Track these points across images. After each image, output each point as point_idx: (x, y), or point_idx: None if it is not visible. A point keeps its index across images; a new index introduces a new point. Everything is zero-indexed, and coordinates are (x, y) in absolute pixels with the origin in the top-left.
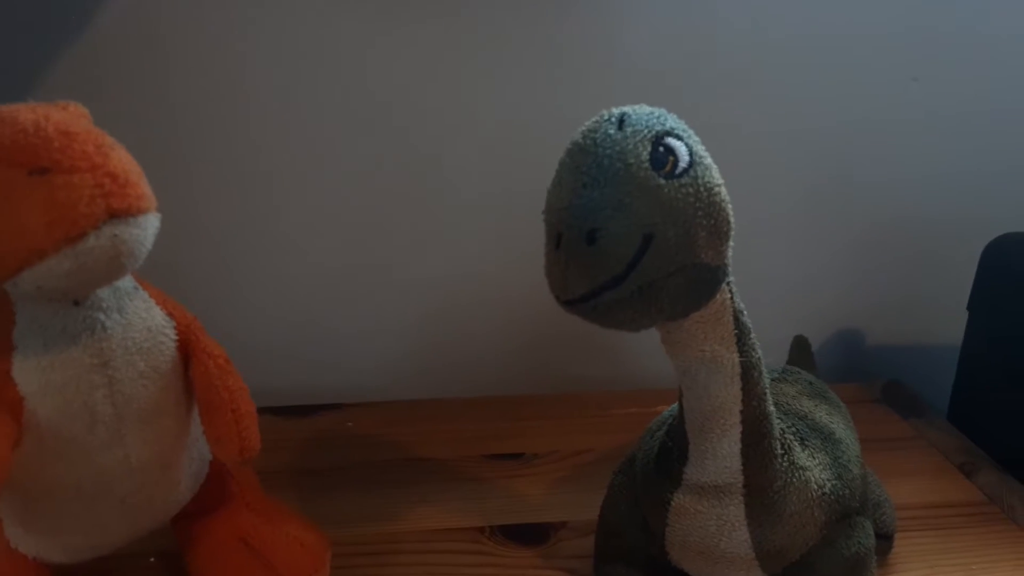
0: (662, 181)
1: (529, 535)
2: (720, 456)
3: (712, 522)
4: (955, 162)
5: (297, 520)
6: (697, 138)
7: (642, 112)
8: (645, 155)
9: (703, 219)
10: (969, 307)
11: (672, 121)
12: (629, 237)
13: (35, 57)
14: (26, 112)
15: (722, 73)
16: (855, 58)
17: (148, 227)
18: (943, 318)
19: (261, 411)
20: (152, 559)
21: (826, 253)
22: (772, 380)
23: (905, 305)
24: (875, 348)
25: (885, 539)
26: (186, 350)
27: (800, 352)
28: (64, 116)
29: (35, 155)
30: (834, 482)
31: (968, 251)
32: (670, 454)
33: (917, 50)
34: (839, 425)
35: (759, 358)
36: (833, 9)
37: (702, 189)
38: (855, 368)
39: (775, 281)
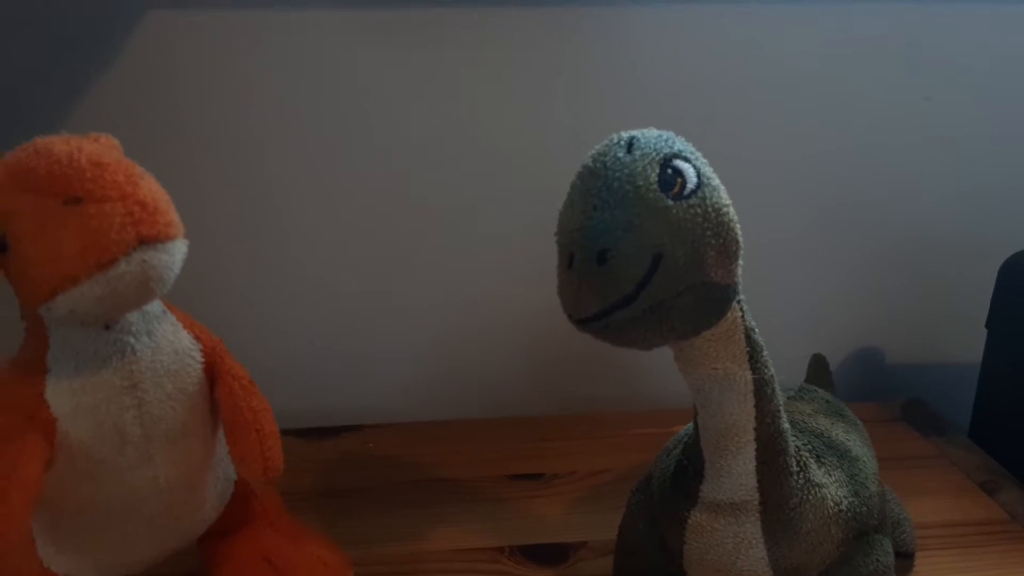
0: (671, 202)
1: (549, 555)
2: (735, 473)
3: (729, 540)
4: (971, 180)
5: (320, 540)
6: (705, 160)
7: (650, 135)
8: (654, 177)
9: (712, 239)
10: (988, 325)
11: (680, 144)
12: (639, 257)
13: (62, 92)
14: (60, 144)
15: (733, 95)
16: (868, 79)
17: (176, 253)
18: (962, 336)
19: (283, 433)
20: None
21: (844, 272)
22: (788, 398)
23: (924, 324)
24: (894, 367)
25: (905, 557)
26: (212, 372)
27: (818, 371)
28: (96, 148)
29: (69, 185)
30: (851, 499)
31: (986, 269)
32: (686, 472)
33: (930, 69)
34: (856, 443)
35: (772, 375)
36: (845, 31)
37: (710, 210)
38: (874, 387)
39: (793, 300)
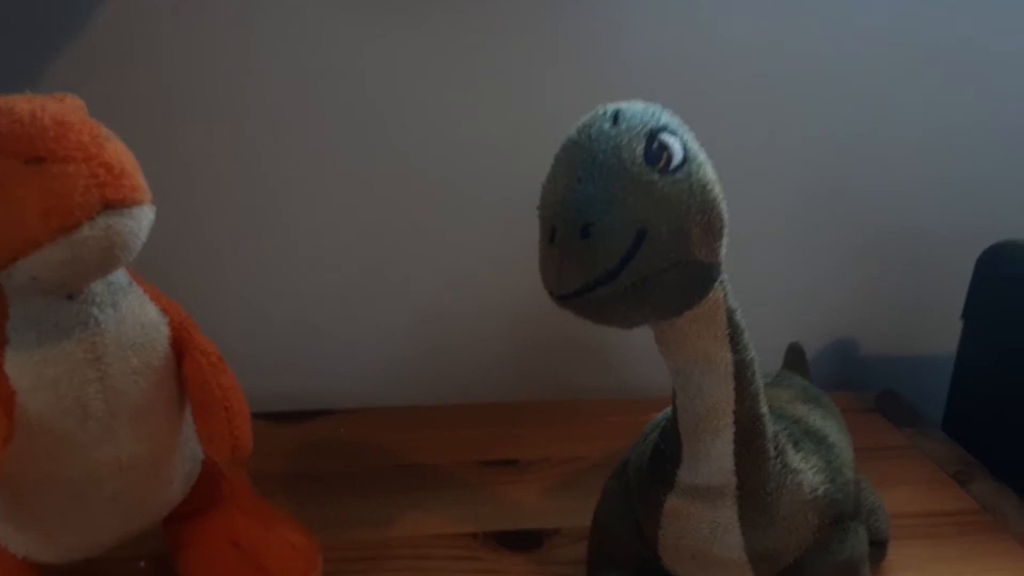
0: (656, 177)
1: (522, 541)
2: (713, 458)
3: (705, 525)
4: (950, 171)
5: (289, 523)
6: (692, 134)
7: (637, 108)
8: (639, 151)
9: (697, 215)
10: (963, 316)
11: (667, 117)
12: (623, 232)
13: (36, 54)
14: (23, 103)
15: (721, 80)
16: (853, 68)
17: (143, 219)
18: (938, 327)
19: (254, 417)
20: (142, 563)
21: (821, 262)
22: (766, 384)
23: (900, 314)
24: (869, 357)
25: (879, 546)
26: (179, 347)
27: (795, 359)
28: (60, 107)
29: (31, 145)
30: (827, 485)
31: (963, 260)
32: (663, 456)
33: (914, 61)
34: (833, 430)
35: (753, 358)
36: (832, 20)
37: (696, 186)
38: (850, 377)
39: (771, 288)
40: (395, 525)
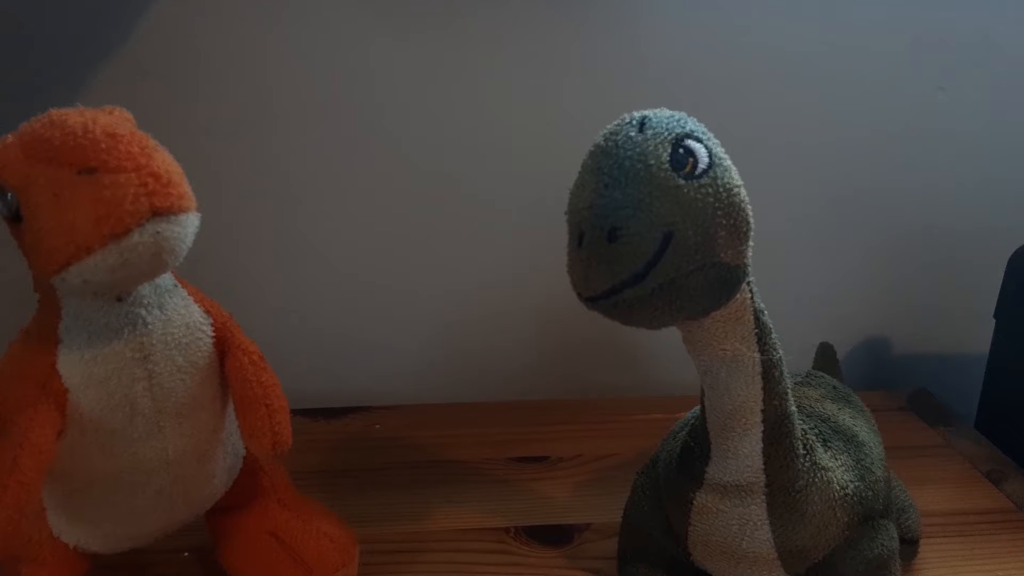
0: (682, 182)
1: (553, 536)
2: (742, 455)
3: (734, 521)
4: (981, 170)
5: (326, 516)
6: (716, 140)
7: (662, 115)
8: (665, 156)
9: (722, 219)
10: (996, 315)
11: (692, 124)
12: (649, 235)
13: (78, 67)
14: (75, 116)
15: (746, 82)
16: (881, 68)
17: (189, 225)
18: (970, 326)
19: (292, 413)
20: (186, 554)
21: (852, 261)
22: (796, 383)
23: (932, 313)
24: (902, 356)
25: (910, 544)
26: (222, 346)
27: (825, 359)
28: (110, 119)
29: (83, 156)
30: (857, 483)
31: (995, 259)
32: (692, 454)
33: (943, 60)
34: (862, 428)
35: (780, 357)
36: (858, 20)
37: (721, 190)
38: (882, 376)
39: (801, 289)
40: (429, 519)
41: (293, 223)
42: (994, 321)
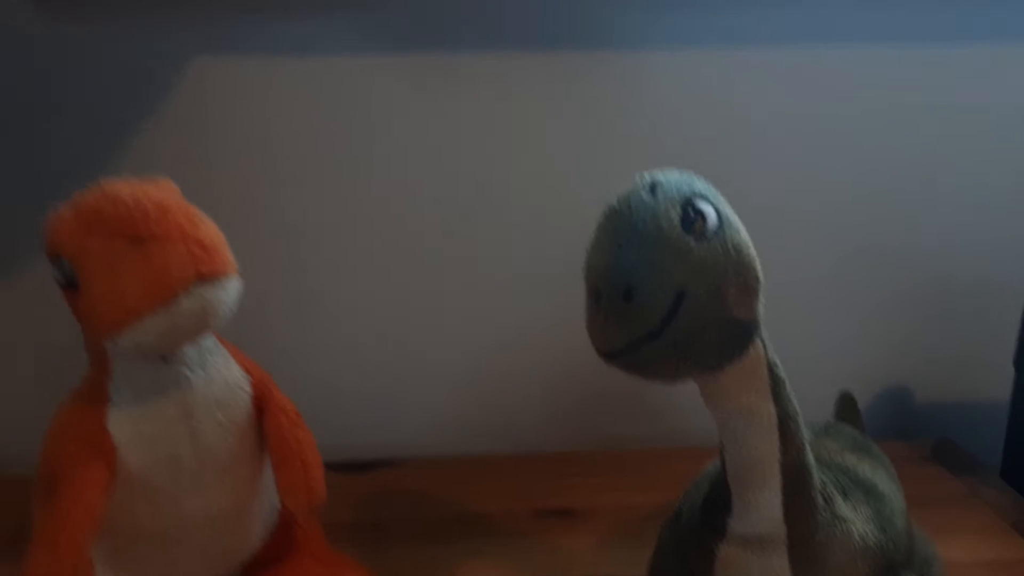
0: (692, 242)
1: None
2: (762, 507)
3: (757, 573)
4: (996, 220)
5: (357, 570)
6: (724, 200)
7: (672, 177)
8: (676, 218)
9: (732, 277)
10: (1015, 363)
11: (701, 185)
12: (663, 294)
13: (91, 137)
14: (126, 188)
15: (752, 139)
16: (890, 123)
17: (232, 290)
18: (991, 375)
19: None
20: None
21: (870, 311)
22: (815, 434)
23: (952, 363)
24: (923, 406)
25: None
26: (260, 404)
27: (846, 409)
28: (158, 191)
29: (135, 227)
30: (878, 534)
31: (1012, 307)
32: (714, 506)
33: (950, 114)
34: (882, 479)
35: (796, 410)
36: (864, 77)
37: (731, 249)
38: (904, 427)
39: (820, 340)
40: (455, 572)
41: (316, 285)
42: (1014, 369)
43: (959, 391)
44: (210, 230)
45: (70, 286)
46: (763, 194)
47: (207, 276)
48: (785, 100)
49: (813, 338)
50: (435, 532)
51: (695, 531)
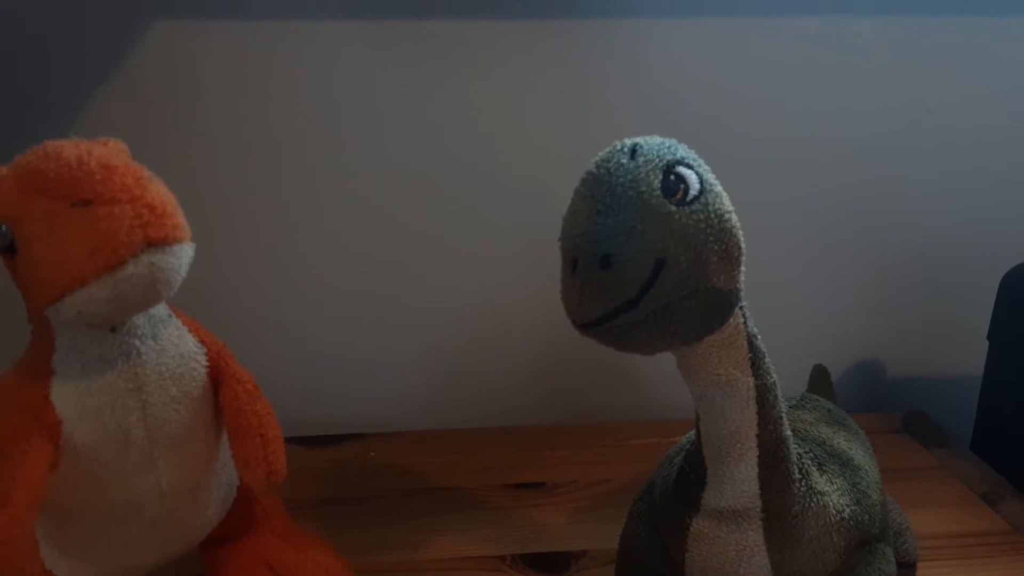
0: (673, 208)
1: (550, 564)
2: (737, 480)
3: (731, 547)
4: (973, 192)
5: (322, 546)
6: (707, 167)
7: (653, 142)
8: (657, 183)
9: (714, 244)
10: (989, 337)
11: (683, 151)
12: (642, 262)
13: (80, 95)
14: (70, 148)
15: (735, 105)
16: (870, 90)
17: (183, 256)
18: (964, 348)
19: (286, 441)
20: None
21: (846, 283)
22: (790, 407)
23: (926, 335)
24: (896, 379)
25: (907, 568)
26: (216, 376)
27: (820, 381)
28: (105, 151)
29: (78, 188)
30: (853, 507)
31: (987, 281)
32: (688, 479)
33: (933, 78)
34: (858, 452)
35: (774, 382)
36: (848, 41)
37: (713, 216)
38: (876, 399)
39: (795, 311)
40: (425, 547)
41: (284, 250)
42: (988, 343)
43: (933, 364)
44: (160, 192)
45: (8, 250)
46: (737, 163)
47: (156, 241)
48: (763, 65)
49: (786, 309)
50: (403, 507)
51: (668, 505)
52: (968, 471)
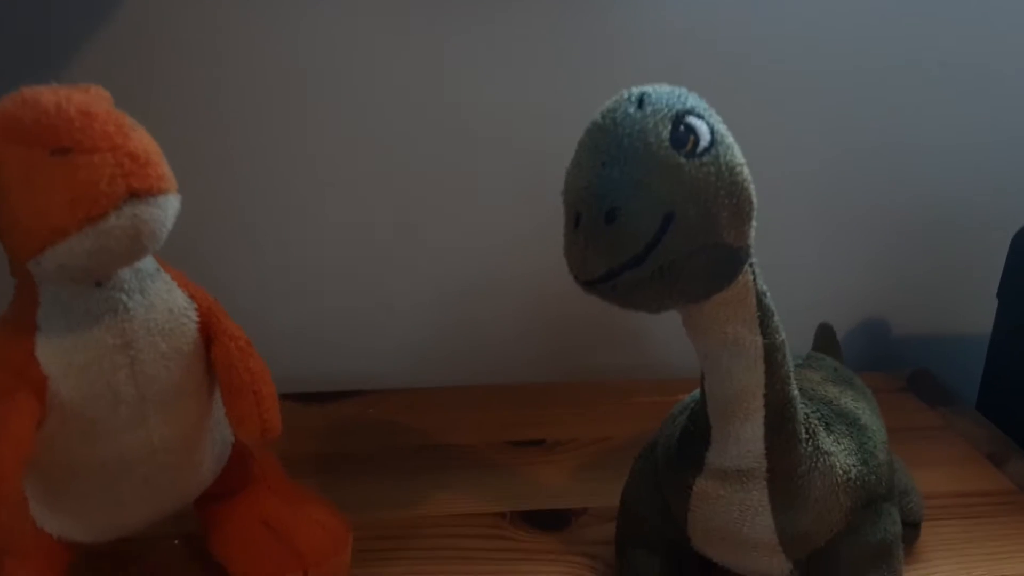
0: (683, 160)
1: (550, 520)
2: (743, 440)
3: (735, 507)
4: (984, 149)
5: (318, 503)
6: (719, 117)
7: (662, 91)
8: (665, 134)
9: (725, 198)
10: (999, 295)
11: (693, 100)
12: (649, 216)
13: (59, 45)
14: (48, 94)
15: (741, 64)
16: (879, 44)
17: (168, 208)
18: (972, 306)
19: (284, 397)
20: (176, 541)
21: (853, 241)
22: (797, 366)
23: (934, 293)
24: (902, 337)
25: (912, 527)
26: (207, 332)
27: (825, 340)
28: (86, 98)
29: (56, 135)
30: (859, 468)
31: (998, 238)
32: (692, 439)
33: (943, 35)
34: (865, 411)
35: (783, 341)
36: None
37: (724, 168)
38: (882, 357)
39: (801, 268)
40: (424, 504)
41: (281, 205)
42: (996, 301)
43: (940, 322)
44: (143, 140)
45: None
46: (744, 122)
47: (140, 191)
48: (767, 16)
49: (792, 268)
50: (402, 464)
51: (671, 464)
52: (973, 430)
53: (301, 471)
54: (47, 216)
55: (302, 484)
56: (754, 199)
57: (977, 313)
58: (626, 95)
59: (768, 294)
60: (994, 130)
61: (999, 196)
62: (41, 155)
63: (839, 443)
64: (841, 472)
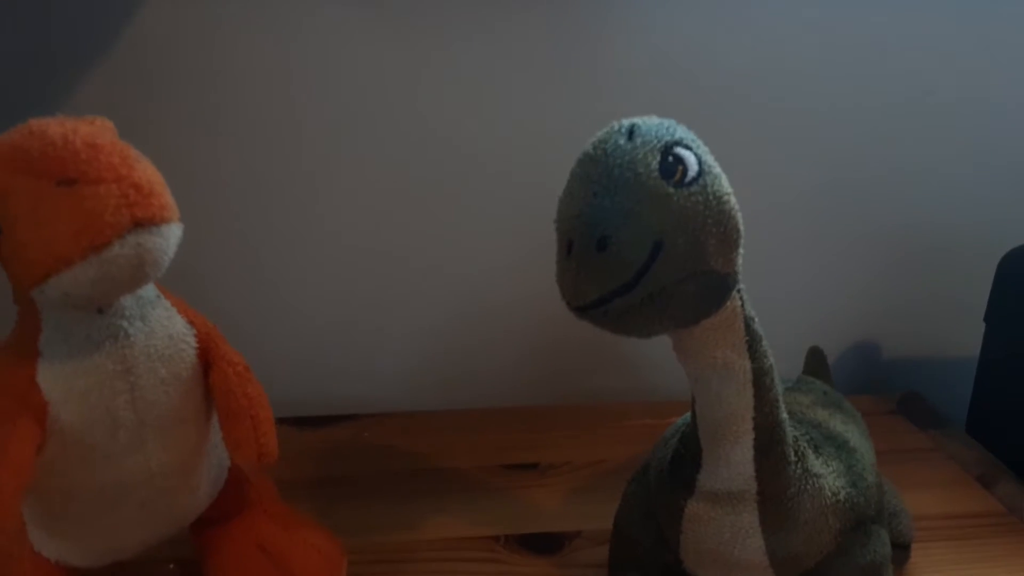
0: (671, 190)
1: (544, 544)
2: (733, 463)
3: (726, 529)
4: (971, 173)
5: (314, 527)
6: (706, 148)
7: (651, 123)
8: (655, 164)
9: (712, 227)
10: (986, 319)
11: (681, 132)
12: (639, 244)
13: (65, 75)
14: (55, 126)
15: (731, 88)
16: (869, 71)
17: (171, 236)
18: (960, 330)
19: (279, 422)
20: (172, 565)
21: (842, 264)
22: (786, 389)
23: (923, 317)
24: (892, 360)
25: (902, 549)
26: (206, 357)
27: (816, 363)
28: (91, 129)
29: (63, 167)
30: (848, 489)
31: (985, 262)
32: (683, 462)
33: (932, 62)
34: (854, 434)
35: (771, 365)
36: (847, 22)
37: (711, 198)
38: (872, 380)
39: (791, 293)
40: (418, 528)
41: (278, 231)
42: (984, 325)
43: (929, 345)
44: (147, 171)
45: None
46: (734, 146)
47: (143, 221)
48: (759, 44)
49: (782, 291)
50: (396, 488)
51: (663, 486)
52: (963, 453)
53: (296, 495)
54: (52, 245)
55: (297, 508)
56: (741, 227)
57: (965, 337)
58: (616, 126)
59: (756, 319)
60: (980, 157)
61: (985, 223)
62: (47, 186)
63: (828, 465)
64: (830, 494)
